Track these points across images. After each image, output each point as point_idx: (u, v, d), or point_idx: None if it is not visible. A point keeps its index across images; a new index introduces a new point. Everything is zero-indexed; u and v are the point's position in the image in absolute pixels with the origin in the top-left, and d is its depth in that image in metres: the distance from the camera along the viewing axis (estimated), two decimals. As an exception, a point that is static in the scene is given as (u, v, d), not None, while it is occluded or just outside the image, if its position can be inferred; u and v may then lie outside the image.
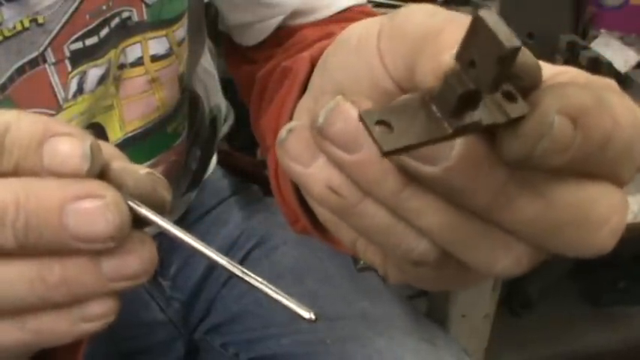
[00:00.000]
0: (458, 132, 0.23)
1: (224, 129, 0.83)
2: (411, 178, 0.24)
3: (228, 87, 0.76)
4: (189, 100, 0.66)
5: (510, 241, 0.25)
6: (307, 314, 0.27)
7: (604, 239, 0.24)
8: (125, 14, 0.53)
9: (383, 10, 1.09)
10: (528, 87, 0.23)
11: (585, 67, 0.86)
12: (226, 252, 0.74)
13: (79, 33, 0.50)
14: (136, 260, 0.27)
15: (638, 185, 0.86)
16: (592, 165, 0.23)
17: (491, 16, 0.21)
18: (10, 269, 0.26)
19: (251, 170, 0.83)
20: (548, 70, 0.27)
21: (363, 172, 0.25)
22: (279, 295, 0.27)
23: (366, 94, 0.29)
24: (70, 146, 0.26)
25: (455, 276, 0.28)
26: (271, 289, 0.27)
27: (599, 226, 0.24)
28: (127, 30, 0.54)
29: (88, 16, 0.50)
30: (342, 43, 0.32)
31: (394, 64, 0.28)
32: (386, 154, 0.23)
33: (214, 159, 0.80)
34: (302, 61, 0.38)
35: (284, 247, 0.73)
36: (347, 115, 0.25)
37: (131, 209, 0.27)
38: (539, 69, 0.23)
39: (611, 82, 0.26)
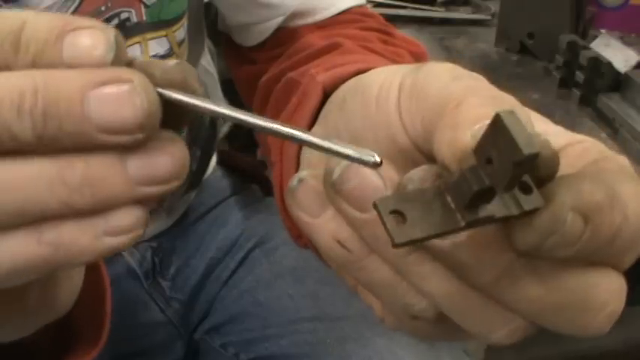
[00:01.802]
0: (470, 225, 0.23)
1: (224, 129, 0.83)
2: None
3: (228, 87, 0.76)
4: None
5: (508, 315, 0.26)
6: (371, 158, 0.24)
7: (600, 324, 0.25)
8: (124, 15, 0.53)
9: (382, 10, 1.09)
10: (544, 177, 0.23)
11: (585, 67, 0.86)
12: (226, 252, 0.74)
13: (78, 34, 0.50)
14: (167, 159, 0.24)
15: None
16: (597, 255, 0.24)
17: (511, 118, 0.21)
18: (26, 168, 0.23)
19: (251, 170, 0.83)
20: (562, 138, 0.27)
21: (373, 232, 0.25)
22: (332, 143, 0.24)
23: (383, 147, 0.29)
24: (92, 38, 0.23)
25: (451, 333, 0.29)
26: (319, 138, 0.24)
27: (598, 311, 0.25)
28: (126, 31, 0.54)
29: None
30: (362, 87, 0.32)
31: (412, 124, 0.28)
32: (397, 245, 0.23)
33: (214, 159, 0.80)
34: (313, 84, 0.38)
35: (284, 248, 0.73)
36: (362, 174, 0.25)
37: (161, 96, 0.23)
38: (556, 161, 0.24)
39: (624, 164, 0.26)
